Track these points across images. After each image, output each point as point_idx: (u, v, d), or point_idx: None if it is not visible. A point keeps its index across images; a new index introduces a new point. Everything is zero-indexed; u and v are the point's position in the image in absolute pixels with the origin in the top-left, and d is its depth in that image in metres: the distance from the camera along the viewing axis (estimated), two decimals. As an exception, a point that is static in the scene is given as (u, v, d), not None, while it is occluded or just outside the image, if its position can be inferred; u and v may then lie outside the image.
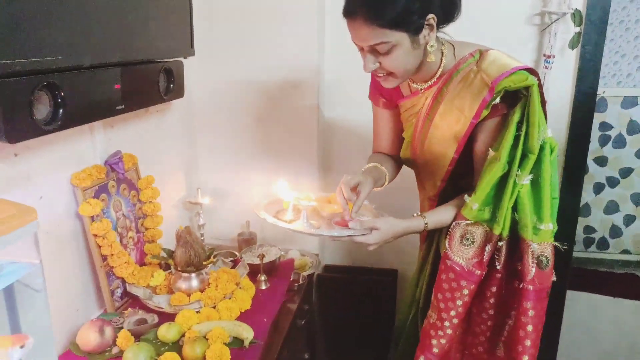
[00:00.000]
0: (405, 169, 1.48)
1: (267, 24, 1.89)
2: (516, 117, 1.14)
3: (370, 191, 1.27)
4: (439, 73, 1.22)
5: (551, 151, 1.16)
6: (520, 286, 1.15)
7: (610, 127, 3.16)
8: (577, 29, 1.80)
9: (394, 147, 1.46)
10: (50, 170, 1.24)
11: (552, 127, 1.88)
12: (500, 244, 1.16)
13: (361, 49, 1.16)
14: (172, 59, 1.58)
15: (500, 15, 1.85)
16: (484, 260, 1.17)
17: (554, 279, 1.19)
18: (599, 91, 3.00)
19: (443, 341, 1.22)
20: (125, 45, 1.31)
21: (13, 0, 0.93)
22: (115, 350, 1.23)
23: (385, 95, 1.38)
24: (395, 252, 2.13)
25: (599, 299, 2.88)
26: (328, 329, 2.14)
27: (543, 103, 1.16)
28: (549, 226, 1.15)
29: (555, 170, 1.20)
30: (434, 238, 1.37)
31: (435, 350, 1.22)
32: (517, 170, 1.14)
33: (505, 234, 1.16)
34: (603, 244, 3.36)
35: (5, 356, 0.73)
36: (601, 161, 3.23)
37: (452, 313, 1.20)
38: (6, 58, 0.93)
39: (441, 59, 1.22)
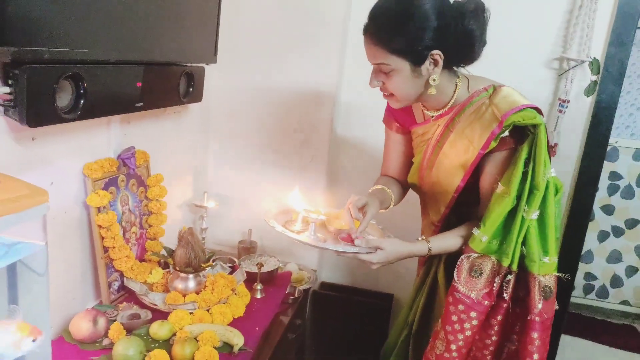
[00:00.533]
0: (411, 194, 1.50)
1: (290, 40, 1.93)
2: (524, 153, 1.18)
3: (376, 212, 1.30)
4: (450, 103, 1.27)
5: (557, 191, 1.21)
6: (529, 318, 1.18)
7: (620, 177, 3.17)
8: (594, 78, 1.83)
9: (402, 171, 1.49)
10: (64, 158, 1.27)
11: (562, 170, 1.93)
12: (509, 276, 1.19)
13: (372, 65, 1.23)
14: (194, 64, 1.62)
15: (520, 57, 1.87)
16: (494, 291, 1.19)
17: (557, 307, 1.23)
18: (612, 141, 3.03)
19: None
20: (151, 46, 1.35)
21: (51, -9, 0.97)
22: (106, 341, 1.24)
23: (399, 120, 1.41)
24: (392, 277, 2.13)
25: (594, 347, 2.85)
26: (318, 346, 2.14)
27: (548, 143, 1.20)
28: (554, 259, 1.19)
29: (560, 210, 1.24)
30: (432, 263, 1.39)
31: None
32: (525, 206, 1.17)
33: (515, 267, 1.19)
34: (603, 293, 3.33)
35: (19, 342, 0.75)
36: (608, 210, 3.22)
37: (461, 343, 1.22)
38: (37, 45, 0.96)
39: (454, 91, 1.26)
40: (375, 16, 1.18)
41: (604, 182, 3.15)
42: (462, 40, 1.17)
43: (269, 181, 2.07)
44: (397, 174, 1.49)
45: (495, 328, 1.22)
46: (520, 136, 1.20)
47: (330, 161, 2.06)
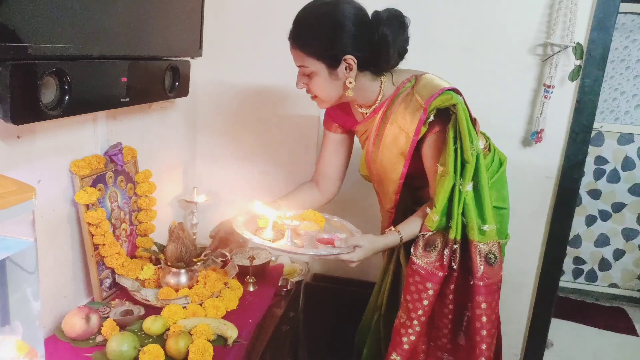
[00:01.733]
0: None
1: (277, 32, 1.92)
2: (451, 133, 1.28)
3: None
4: (379, 99, 1.37)
5: (500, 164, 1.38)
6: (472, 283, 1.29)
7: (606, 161, 3.21)
8: (578, 62, 1.84)
9: (334, 175, 1.58)
10: (51, 156, 1.26)
11: (547, 155, 1.95)
12: (455, 246, 1.29)
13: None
14: (179, 58, 1.61)
15: (504, 43, 1.88)
16: (445, 263, 1.29)
17: (502, 273, 1.34)
18: (597, 126, 3.07)
19: (413, 337, 1.33)
20: (135, 40, 1.34)
21: (31, -14, 0.96)
22: (99, 338, 1.24)
23: (339, 121, 1.52)
24: (381, 267, 2.14)
25: (584, 330, 2.90)
26: (312, 337, 2.14)
27: (471, 118, 1.30)
28: (493, 227, 1.30)
29: (504, 183, 1.37)
30: (394, 248, 1.46)
31: (405, 346, 1.34)
32: (460, 179, 1.27)
33: (459, 237, 1.29)
34: (591, 276, 3.38)
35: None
36: (595, 194, 3.27)
37: (420, 312, 1.31)
38: (19, 41, 0.95)
39: (380, 87, 1.36)
40: (296, 22, 1.30)
41: (590, 166, 3.19)
42: (376, 46, 1.27)
43: (258, 176, 2.07)
44: (327, 178, 1.58)
45: (450, 297, 1.33)
46: (447, 117, 1.30)
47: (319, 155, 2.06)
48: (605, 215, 3.28)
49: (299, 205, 1.53)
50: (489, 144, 1.49)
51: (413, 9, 1.91)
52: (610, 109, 3.13)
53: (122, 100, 1.33)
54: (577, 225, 3.30)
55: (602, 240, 3.32)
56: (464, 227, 1.30)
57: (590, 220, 3.30)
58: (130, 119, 1.58)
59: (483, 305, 1.28)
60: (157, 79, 1.51)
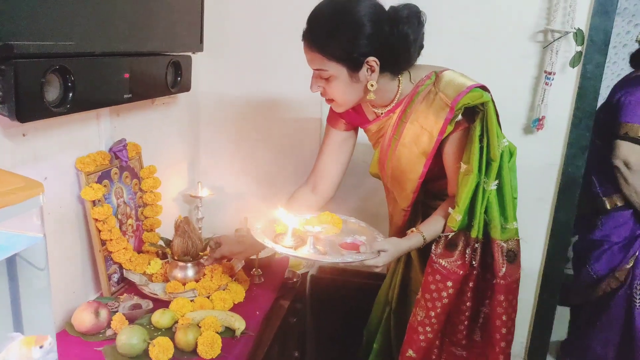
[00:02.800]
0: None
1: (276, 27, 1.93)
2: (477, 130, 1.25)
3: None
4: (397, 98, 1.33)
5: (510, 155, 1.30)
6: (494, 282, 1.27)
7: (609, 147, 3.19)
8: (579, 48, 1.84)
9: (336, 171, 1.51)
10: (56, 153, 1.27)
11: (550, 142, 1.95)
12: (476, 245, 1.28)
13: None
14: (181, 53, 1.62)
15: (504, 30, 1.88)
16: (466, 262, 1.28)
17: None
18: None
19: (430, 335, 1.33)
20: (137, 36, 1.35)
21: (33, -16, 0.97)
22: (109, 332, 1.25)
23: (347, 118, 1.45)
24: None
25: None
26: (319, 329, 2.16)
27: (497, 115, 1.28)
28: (514, 224, 1.28)
29: (515, 174, 1.33)
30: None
31: (422, 344, 1.33)
32: (484, 178, 1.25)
33: (480, 236, 1.28)
34: (596, 263, 3.37)
35: (29, 354, 0.78)
36: (598, 181, 3.24)
37: (439, 310, 1.30)
38: (23, 39, 0.96)
39: (398, 85, 1.32)
40: (311, 22, 1.22)
41: (593, 153, 3.18)
42: (397, 46, 1.22)
43: (262, 169, 2.08)
44: (324, 182, 1.51)
45: (469, 294, 1.31)
46: (472, 114, 1.27)
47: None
48: (609, 202, 3.27)
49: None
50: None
51: (413, -2, 1.92)
52: (612, 95, 3.12)
53: (125, 96, 1.34)
54: (581, 213, 3.29)
55: (607, 227, 3.31)
56: (486, 225, 1.28)
57: (594, 207, 3.29)
58: (134, 115, 1.59)
59: (504, 304, 1.27)
60: (159, 75, 1.52)
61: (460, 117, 1.26)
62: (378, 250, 1.25)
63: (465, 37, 1.90)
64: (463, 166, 1.27)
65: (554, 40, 1.83)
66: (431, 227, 1.33)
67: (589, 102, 1.91)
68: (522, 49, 1.89)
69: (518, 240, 1.30)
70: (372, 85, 1.24)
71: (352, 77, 1.22)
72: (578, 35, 1.82)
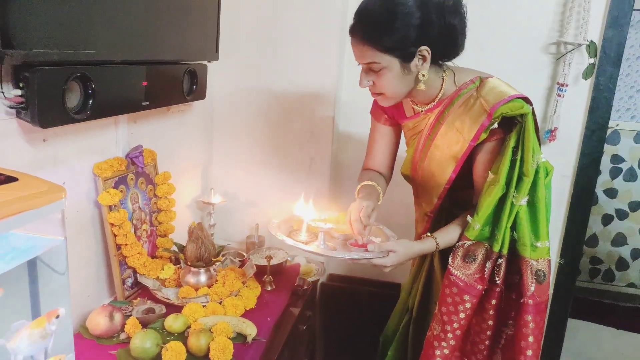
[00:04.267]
0: (405, 185, 1.53)
1: (290, 37, 1.95)
2: (512, 142, 1.22)
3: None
4: (439, 97, 1.30)
5: (546, 174, 1.25)
6: (522, 301, 1.21)
7: (622, 160, 3.18)
8: (592, 61, 1.84)
9: (386, 164, 1.51)
10: (75, 158, 1.30)
11: (562, 154, 1.95)
12: (500, 260, 1.22)
13: (359, 64, 1.26)
14: (197, 62, 1.65)
15: (517, 42, 1.89)
16: (485, 276, 1.23)
17: (551, 291, 1.24)
18: (613, 124, 3.05)
19: (446, 351, 1.27)
20: (154, 45, 1.38)
21: (58, -6, 1.00)
22: (123, 336, 1.27)
23: (388, 113, 1.44)
24: (408, 269, 2.16)
25: (602, 330, 2.88)
26: (328, 337, 2.16)
27: (537, 130, 1.24)
28: (546, 244, 1.23)
29: (550, 192, 1.28)
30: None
31: (438, 359, 1.28)
32: (514, 192, 1.21)
33: (505, 251, 1.22)
34: (609, 276, 3.36)
35: (45, 331, 0.79)
36: (611, 193, 3.24)
37: (455, 325, 1.26)
38: (46, 47, 0.99)
39: (442, 85, 1.29)
40: (362, 16, 1.20)
41: (606, 165, 3.17)
42: (445, 35, 1.20)
43: (274, 176, 2.09)
44: (382, 167, 1.51)
45: (490, 312, 1.25)
46: (509, 125, 1.24)
47: (334, 157, 2.08)
48: (622, 214, 3.25)
49: (384, 183, 1.48)
50: None
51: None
52: (626, 107, 3.11)
53: (142, 103, 1.37)
54: (594, 225, 3.28)
55: (619, 240, 3.29)
56: (513, 242, 1.23)
57: (606, 220, 3.28)
58: (150, 122, 1.62)
59: (531, 325, 1.21)
60: (175, 83, 1.54)
61: (496, 125, 1.24)
62: (387, 251, 1.24)
63: (477, 48, 1.89)
64: (490, 175, 1.24)
65: (567, 52, 1.83)
66: (447, 234, 1.31)
67: (601, 114, 1.91)
68: (534, 60, 1.90)
69: (549, 261, 1.24)
70: (423, 75, 1.23)
71: (405, 68, 1.21)
72: (591, 47, 1.82)
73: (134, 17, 1.26)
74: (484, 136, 1.24)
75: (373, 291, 2.13)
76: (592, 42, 1.82)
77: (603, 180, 3.21)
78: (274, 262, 1.69)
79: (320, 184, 2.07)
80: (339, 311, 2.12)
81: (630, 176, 3.18)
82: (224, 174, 2.15)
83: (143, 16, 1.30)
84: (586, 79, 1.86)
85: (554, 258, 2.07)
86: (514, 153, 1.22)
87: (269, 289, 1.62)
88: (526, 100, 1.23)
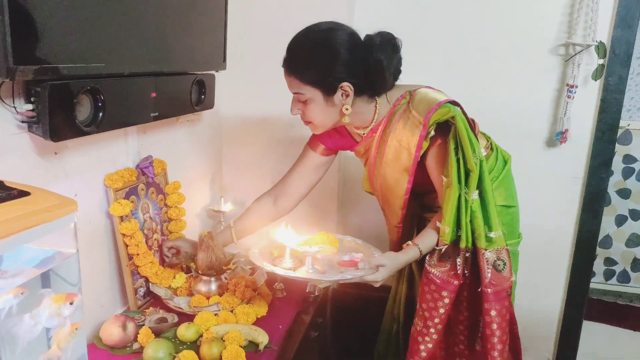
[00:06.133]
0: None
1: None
2: (452, 144, 1.29)
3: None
4: (375, 119, 1.38)
5: (505, 162, 1.38)
6: (479, 290, 1.28)
7: (635, 159, 3.15)
8: (601, 61, 1.83)
9: (302, 191, 1.58)
10: (86, 170, 1.31)
11: (573, 156, 1.94)
12: (467, 254, 1.30)
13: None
14: (205, 72, 1.66)
15: (525, 44, 1.89)
16: (459, 272, 1.30)
17: (514, 279, 1.34)
18: (624, 124, 3.02)
19: (430, 345, 1.34)
20: (163, 56, 1.39)
21: (64, 12, 1.01)
22: (136, 345, 1.28)
23: (329, 143, 1.51)
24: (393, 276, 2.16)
25: (618, 332, 2.84)
26: (340, 343, 2.16)
27: (472, 127, 1.32)
28: (499, 233, 1.29)
29: (511, 181, 1.38)
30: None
31: (423, 354, 1.34)
32: (465, 188, 1.28)
33: (470, 245, 1.30)
34: (624, 277, 3.31)
35: (59, 310, 0.81)
36: (624, 193, 3.21)
37: (436, 320, 1.32)
38: (56, 62, 1.00)
39: (376, 107, 1.37)
40: (290, 49, 1.31)
41: (618, 165, 3.14)
42: (372, 71, 1.28)
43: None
44: (289, 194, 1.58)
45: (464, 304, 1.34)
46: (447, 128, 1.30)
47: (342, 163, 2.08)
48: (636, 215, 3.21)
49: (253, 226, 1.57)
50: (491, 143, 1.48)
51: (435, 13, 1.95)
52: (638, 107, 3.08)
53: (152, 114, 1.38)
54: (607, 226, 3.24)
55: (634, 240, 3.25)
56: (473, 235, 1.30)
57: (620, 220, 3.24)
58: (159, 132, 1.63)
59: (492, 313, 1.27)
60: (184, 93, 1.56)
61: (433, 132, 1.30)
62: (377, 266, 1.28)
63: (486, 52, 1.92)
64: (444, 179, 1.31)
65: (576, 54, 1.82)
66: (426, 239, 1.36)
67: (612, 115, 1.90)
68: (543, 62, 1.89)
69: (508, 250, 1.31)
70: (347, 109, 1.31)
71: (328, 100, 1.29)
72: (600, 48, 1.81)
73: (142, 30, 1.28)
74: (426, 145, 1.32)
75: (384, 297, 2.12)
76: (601, 42, 1.81)
77: (615, 181, 3.17)
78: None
79: (330, 191, 2.07)
80: (351, 317, 2.11)
81: (644, 176, 3.15)
82: (234, 182, 2.16)
83: (151, 28, 1.31)
84: (596, 80, 1.85)
85: (568, 260, 2.06)
86: (456, 153, 1.28)
87: (280, 296, 1.63)
88: (454, 103, 1.31)
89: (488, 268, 1.28)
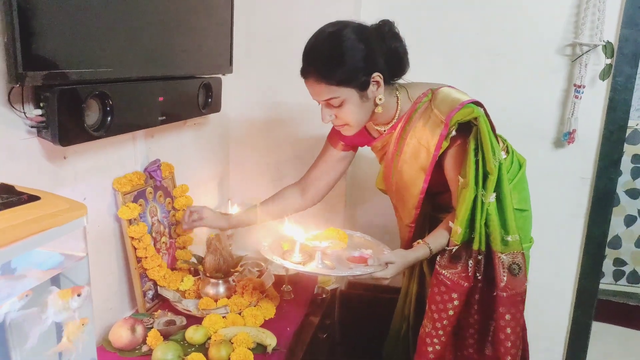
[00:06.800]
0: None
1: (301, 47, 1.96)
2: (472, 145, 1.29)
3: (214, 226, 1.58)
4: (397, 115, 1.39)
5: (520, 166, 1.37)
6: (494, 294, 1.28)
7: (644, 159, 3.13)
8: (608, 61, 1.82)
9: (327, 184, 1.61)
10: (95, 174, 1.32)
11: (581, 156, 1.93)
12: (479, 257, 1.30)
13: (319, 103, 1.32)
14: (211, 76, 1.67)
15: (532, 44, 1.88)
16: (470, 274, 1.29)
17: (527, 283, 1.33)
18: (632, 124, 3.01)
19: (438, 347, 1.33)
20: (170, 61, 1.40)
21: (72, 18, 1.02)
22: (144, 348, 1.28)
23: (348, 140, 1.51)
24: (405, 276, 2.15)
25: (628, 333, 2.82)
26: (348, 345, 2.16)
27: (493, 129, 1.31)
28: (516, 237, 1.29)
29: (525, 185, 1.37)
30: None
31: (431, 356, 1.34)
32: (482, 191, 1.28)
33: (483, 248, 1.29)
34: (634, 277, 3.29)
35: (67, 304, 0.82)
36: (633, 193, 3.19)
37: (445, 322, 1.32)
38: (65, 68, 1.01)
39: (397, 103, 1.37)
40: (311, 58, 1.29)
41: (627, 165, 3.12)
42: (391, 58, 1.29)
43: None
44: (313, 187, 1.60)
45: (475, 307, 1.33)
46: (467, 129, 1.30)
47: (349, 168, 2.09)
48: (645, 215, 3.19)
49: (279, 212, 1.57)
50: (507, 146, 1.48)
51: (441, 13, 1.95)
52: (646, 106, 3.06)
53: (159, 118, 1.39)
54: (616, 226, 3.22)
55: (644, 241, 3.23)
56: (487, 238, 1.29)
57: (629, 220, 3.22)
58: (167, 136, 1.64)
59: (507, 317, 1.27)
60: (191, 97, 1.57)
61: (454, 132, 1.30)
62: (386, 263, 1.29)
63: (493, 53, 1.91)
64: (461, 180, 1.30)
65: (583, 54, 1.82)
66: (437, 239, 1.36)
67: (620, 115, 1.89)
68: (550, 63, 1.89)
69: (523, 253, 1.30)
70: (380, 100, 1.31)
71: (362, 96, 1.28)
72: (607, 47, 1.80)
73: (149, 35, 1.29)
74: (445, 144, 1.31)
75: (391, 298, 2.11)
76: (608, 42, 1.80)
77: (625, 181, 3.16)
78: (292, 271, 1.69)
79: (337, 191, 2.06)
80: (359, 319, 2.11)
81: (653, 176, 3.13)
82: (241, 185, 2.17)
83: (158, 33, 1.32)
84: (603, 80, 1.85)
85: (577, 261, 2.05)
86: (476, 154, 1.28)
87: (288, 298, 1.63)
88: (477, 103, 1.31)
89: (504, 272, 1.27)
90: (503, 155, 1.30)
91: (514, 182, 1.41)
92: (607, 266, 3.29)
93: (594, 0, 1.78)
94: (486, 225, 1.28)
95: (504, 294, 1.26)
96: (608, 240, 2.05)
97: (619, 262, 3.29)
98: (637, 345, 2.71)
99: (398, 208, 1.52)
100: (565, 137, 1.90)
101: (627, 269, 3.29)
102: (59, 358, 0.85)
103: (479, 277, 1.30)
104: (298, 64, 1.98)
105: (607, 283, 3.30)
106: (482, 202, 1.27)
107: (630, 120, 1.94)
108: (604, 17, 1.78)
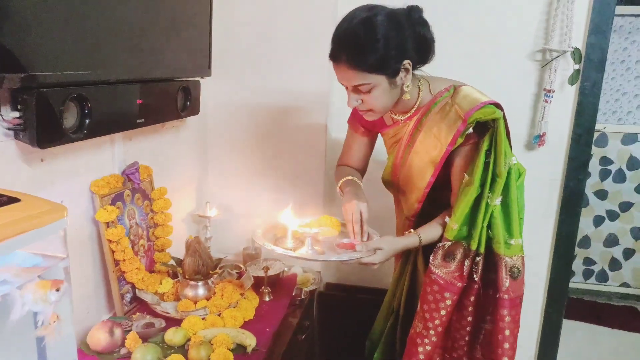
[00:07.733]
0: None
1: (281, 50, 1.99)
2: (485, 145, 1.29)
3: None
4: (416, 106, 1.37)
5: (519, 175, 1.33)
6: (497, 296, 1.28)
7: (611, 162, 3.23)
8: (577, 66, 1.89)
9: (361, 163, 1.61)
10: (72, 177, 1.32)
11: (551, 159, 1.99)
12: (477, 259, 1.29)
13: (346, 88, 1.31)
14: (190, 78, 1.67)
15: (503, 50, 1.93)
16: (464, 273, 1.29)
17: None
18: (600, 127, 3.11)
19: (428, 348, 1.34)
20: (148, 63, 1.40)
21: (50, 20, 1.02)
22: (123, 351, 1.28)
23: (365, 124, 1.51)
24: (394, 272, 2.18)
25: (597, 330, 2.91)
26: (327, 346, 2.17)
27: (508, 133, 1.31)
28: (519, 241, 1.30)
29: (522, 193, 1.35)
30: (410, 252, 1.47)
31: (421, 356, 1.34)
32: (489, 193, 1.27)
33: (482, 249, 1.29)
34: (602, 276, 3.39)
35: (45, 297, 0.81)
36: (601, 194, 3.29)
37: (437, 322, 1.32)
38: (43, 70, 1.01)
39: (418, 94, 1.36)
40: (342, 42, 1.24)
41: (595, 167, 3.22)
42: (420, 45, 1.27)
43: (268, 188, 2.12)
44: (357, 164, 1.61)
45: (470, 309, 1.32)
46: (483, 130, 1.31)
47: (328, 165, 2.11)
48: (613, 215, 3.30)
49: (360, 178, 1.56)
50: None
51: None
52: (612, 110, 3.17)
53: (137, 121, 1.39)
54: (586, 226, 3.32)
55: (611, 240, 3.33)
56: (489, 240, 1.29)
57: (598, 221, 3.32)
58: (145, 138, 1.64)
59: (507, 319, 1.28)
60: (170, 100, 1.57)
61: (471, 130, 1.31)
62: (374, 249, 1.30)
63: (464, 57, 1.95)
64: (466, 177, 1.31)
65: (552, 59, 1.88)
66: (429, 230, 1.37)
67: (588, 118, 1.95)
68: (521, 67, 1.94)
69: (523, 257, 1.31)
70: (407, 87, 1.29)
71: (392, 83, 1.27)
72: (575, 53, 1.87)
73: (128, 37, 1.29)
74: (460, 141, 1.31)
75: (369, 298, 2.14)
76: (576, 48, 1.86)
77: (593, 182, 3.26)
78: (271, 273, 1.71)
79: (315, 192, 2.09)
80: (337, 320, 2.13)
81: (619, 177, 3.23)
82: (219, 188, 2.17)
83: (136, 35, 1.33)
84: (572, 85, 1.91)
85: (548, 261, 2.11)
86: (487, 156, 1.28)
87: (267, 299, 1.64)
88: (497, 105, 1.31)
89: (506, 275, 1.27)
90: (514, 161, 1.29)
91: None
92: (577, 265, 3.38)
93: (563, 8, 1.83)
94: (489, 227, 1.28)
95: (506, 296, 1.27)
96: (578, 240, 2.11)
97: (588, 261, 3.38)
98: (606, 342, 2.80)
99: (401, 200, 1.52)
100: (535, 140, 1.96)
101: (596, 268, 3.39)
102: (38, 345, 0.85)
103: (475, 279, 1.29)
104: (275, 65, 2.01)
105: (577, 282, 3.40)
106: (487, 204, 1.27)
107: (597, 124, 2.00)
108: (572, 24, 1.84)
